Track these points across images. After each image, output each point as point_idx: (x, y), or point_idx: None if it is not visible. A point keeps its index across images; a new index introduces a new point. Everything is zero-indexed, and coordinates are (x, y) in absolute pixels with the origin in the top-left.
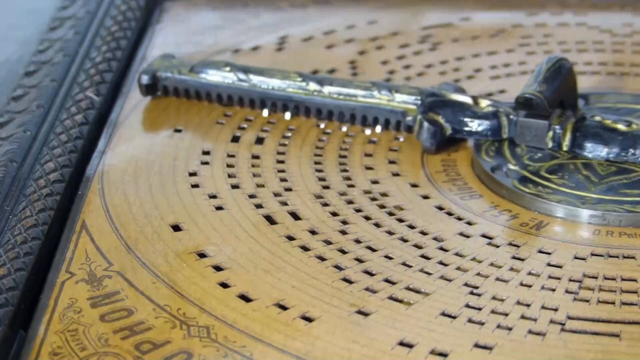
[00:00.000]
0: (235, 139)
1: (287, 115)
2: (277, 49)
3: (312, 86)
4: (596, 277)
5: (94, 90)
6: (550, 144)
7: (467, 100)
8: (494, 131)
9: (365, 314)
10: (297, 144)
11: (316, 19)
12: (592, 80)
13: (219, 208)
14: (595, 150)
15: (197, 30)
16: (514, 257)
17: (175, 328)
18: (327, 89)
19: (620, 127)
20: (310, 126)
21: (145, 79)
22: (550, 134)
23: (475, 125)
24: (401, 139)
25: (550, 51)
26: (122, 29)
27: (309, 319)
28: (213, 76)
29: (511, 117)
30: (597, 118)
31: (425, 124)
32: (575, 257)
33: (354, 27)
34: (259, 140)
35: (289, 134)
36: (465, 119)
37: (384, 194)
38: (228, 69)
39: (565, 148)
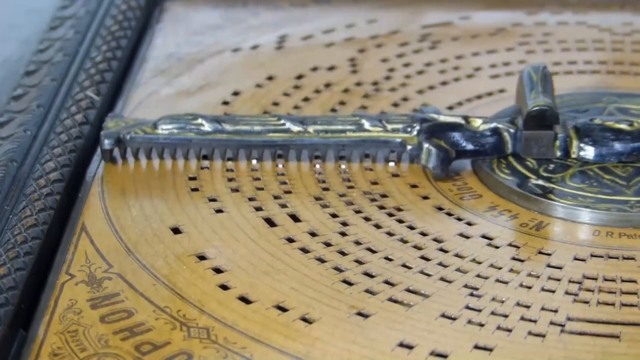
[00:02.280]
0: None
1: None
2: (276, 47)
3: (296, 127)
4: (596, 279)
5: (94, 89)
6: (558, 153)
7: (460, 120)
8: (497, 148)
9: (365, 316)
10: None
11: (316, 17)
12: (592, 79)
13: (218, 211)
14: (607, 154)
15: (197, 29)
16: (513, 258)
17: (176, 329)
18: (312, 128)
19: (624, 127)
20: None
21: (108, 144)
22: (557, 143)
23: (478, 145)
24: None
25: (550, 50)
26: (123, 28)
27: (308, 321)
28: (183, 131)
29: (512, 131)
30: (597, 121)
31: (434, 150)
32: (575, 258)
33: (353, 26)
34: None
35: None
36: (468, 140)
37: (384, 195)
38: (199, 120)
39: (573, 155)
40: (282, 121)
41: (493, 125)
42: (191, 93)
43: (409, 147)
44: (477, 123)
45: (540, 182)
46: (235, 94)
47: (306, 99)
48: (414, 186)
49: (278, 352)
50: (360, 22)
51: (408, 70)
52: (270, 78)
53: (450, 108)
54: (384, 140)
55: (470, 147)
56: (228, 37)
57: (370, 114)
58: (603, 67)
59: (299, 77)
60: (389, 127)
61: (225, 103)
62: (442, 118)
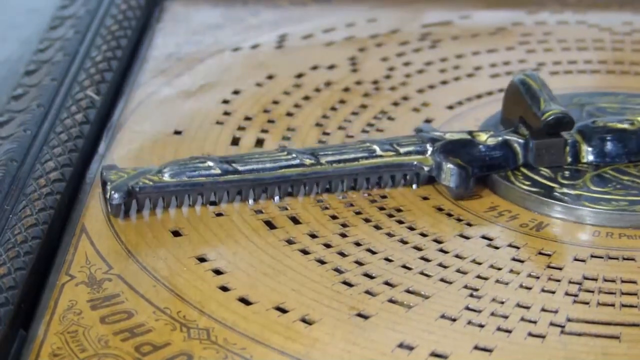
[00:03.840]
0: (235, 142)
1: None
2: (277, 47)
3: (307, 160)
4: (596, 279)
5: (94, 89)
6: (568, 159)
7: (467, 136)
8: (510, 161)
9: (365, 317)
10: (297, 145)
11: (316, 16)
12: (592, 79)
13: (218, 214)
14: (616, 155)
15: (197, 29)
16: (513, 259)
17: (176, 330)
18: (324, 159)
19: (627, 127)
20: (310, 126)
21: (119, 197)
22: (567, 149)
23: (491, 159)
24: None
25: (550, 49)
26: (123, 28)
27: (309, 322)
28: (193, 176)
29: (521, 141)
30: (600, 123)
31: (456, 170)
32: (575, 259)
33: (353, 25)
34: (259, 142)
35: (289, 135)
36: (482, 156)
37: (384, 196)
38: (209, 163)
39: (583, 160)
40: (292, 155)
41: (501, 138)
42: (191, 93)
43: (426, 169)
44: (483, 137)
45: (566, 190)
46: (236, 93)
47: (306, 98)
48: None
49: (278, 353)
50: (360, 21)
51: (408, 70)
52: (270, 77)
53: (451, 107)
54: (398, 164)
55: (483, 162)
56: (228, 36)
57: (380, 139)
58: (603, 66)
59: (299, 76)
60: (401, 150)
61: (226, 102)
62: (449, 135)
